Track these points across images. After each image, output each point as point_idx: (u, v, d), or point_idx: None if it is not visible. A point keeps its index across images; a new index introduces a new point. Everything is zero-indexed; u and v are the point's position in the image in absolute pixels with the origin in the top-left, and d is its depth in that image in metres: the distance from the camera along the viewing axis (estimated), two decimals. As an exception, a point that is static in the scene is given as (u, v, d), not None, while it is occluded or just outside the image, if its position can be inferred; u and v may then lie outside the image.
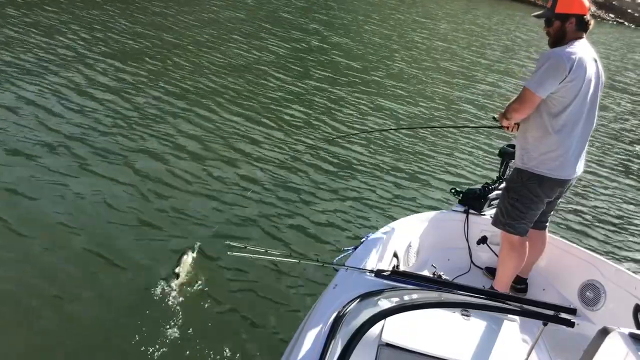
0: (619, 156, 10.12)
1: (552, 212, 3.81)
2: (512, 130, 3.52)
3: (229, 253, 2.76)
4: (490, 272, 4.07)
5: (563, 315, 1.88)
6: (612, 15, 48.06)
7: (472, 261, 4.16)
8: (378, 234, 3.50)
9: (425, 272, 3.39)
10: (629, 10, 48.36)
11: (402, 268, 3.50)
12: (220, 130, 7.47)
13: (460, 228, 4.12)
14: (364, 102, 10.11)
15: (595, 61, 3.34)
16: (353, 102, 9.96)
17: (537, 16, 3.43)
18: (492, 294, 2.10)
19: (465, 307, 2.05)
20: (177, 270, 4.11)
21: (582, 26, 3.28)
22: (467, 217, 4.10)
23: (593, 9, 3.59)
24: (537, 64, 3.24)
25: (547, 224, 3.83)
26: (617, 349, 1.94)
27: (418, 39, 18.80)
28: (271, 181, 6.32)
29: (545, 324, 1.88)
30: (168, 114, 7.64)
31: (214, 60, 10.82)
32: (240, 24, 14.95)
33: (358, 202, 6.26)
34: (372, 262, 3.06)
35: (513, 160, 3.76)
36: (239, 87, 9.52)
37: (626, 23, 47.37)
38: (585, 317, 3.70)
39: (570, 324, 1.80)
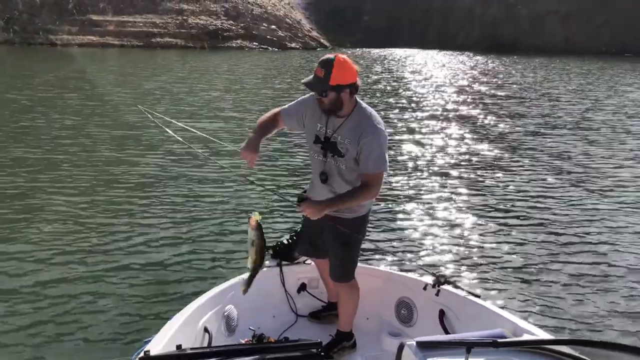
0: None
1: None
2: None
3: None
4: (314, 316, 4.17)
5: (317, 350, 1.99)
6: (256, 43, 56.95)
7: (296, 312, 4.15)
8: (185, 311, 3.32)
9: (245, 338, 3.38)
10: (268, 37, 57.87)
11: (216, 341, 3.44)
12: None
13: (277, 282, 4.10)
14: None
15: None
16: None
17: (308, 86, 3.27)
18: (246, 351, 2.12)
19: None
20: None
21: (355, 92, 3.27)
22: (281, 269, 4.10)
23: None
24: (373, 142, 3.22)
25: None
26: (410, 357, 2.15)
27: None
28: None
29: None
30: None
31: None
32: None
33: (152, 283, 5.73)
34: (175, 344, 2.72)
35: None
36: None
37: (269, 48, 56.57)
38: (405, 334, 3.85)
39: (319, 358, 1.89)
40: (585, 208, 8.74)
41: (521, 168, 11.19)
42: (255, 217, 3.01)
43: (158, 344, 2.84)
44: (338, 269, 3.65)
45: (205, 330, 3.37)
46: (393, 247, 6.95)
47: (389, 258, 6.59)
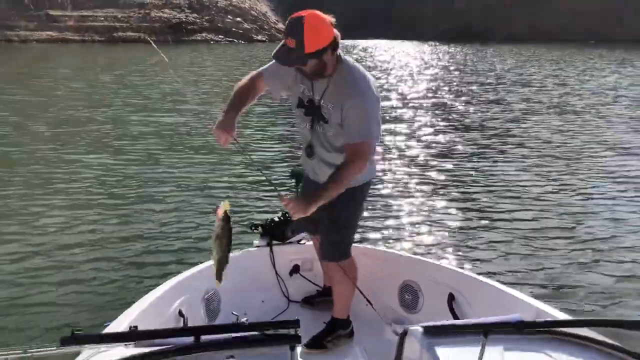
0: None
1: None
2: None
3: None
4: (308, 302, 3.77)
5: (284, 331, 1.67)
6: (222, 36, 56.74)
7: (287, 296, 3.76)
8: (156, 291, 2.99)
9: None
10: (233, 29, 57.41)
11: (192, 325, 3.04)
12: None
13: (267, 263, 3.72)
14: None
15: None
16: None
17: (280, 61, 2.73)
18: (199, 330, 1.77)
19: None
20: None
21: (336, 48, 2.74)
22: (271, 249, 3.71)
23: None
24: (359, 107, 2.75)
25: None
26: (415, 347, 1.89)
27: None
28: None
29: (292, 348, 1.66)
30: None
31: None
32: None
33: (125, 264, 5.42)
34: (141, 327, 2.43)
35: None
36: None
37: (235, 41, 56.00)
38: (410, 322, 3.39)
39: (294, 340, 1.60)
40: (581, 188, 8.43)
41: (513, 151, 10.93)
42: (224, 206, 2.56)
43: (116, 328, 2.50)
44: (326, 246, 3.26)
45: (180, 314, 3.00)
46: (395, 226, 6.55)
47: (392, 238, 6.18)
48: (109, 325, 2.58)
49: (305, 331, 3.27)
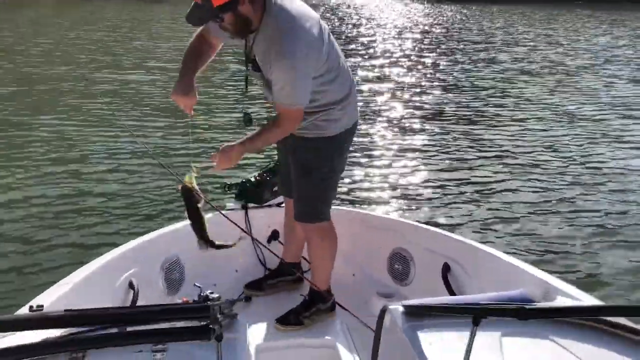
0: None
1: None
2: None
3: None
4: (254, 287, 3.42)
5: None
6: None
7: (265, 265, 3.45)
8: (97, 261, 2.63)
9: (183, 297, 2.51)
10: None
11: (144, 300, 2.66)
12: None
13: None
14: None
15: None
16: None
17: (193, 22, 2.41)
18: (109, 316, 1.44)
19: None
20: None
21: None
22: (246, 213, 3.37)
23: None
24: (283, 66, 2.42)
25: None
26: (395, 329, 1.72)
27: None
28: None
29: (219, 339, 1.30)
30: None
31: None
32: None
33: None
34: (77, 302, 2.09)
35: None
36: None
37: None
38: (400, 295, 3.17)
39: (203, 332, 1.22)
40: (581, 152, 8.23)
41: (507, 113, 10.64)
42: (186, 179, 2.40)
43: (39, 304, 2.06)
44: (300, 203, 2.93)
45: (130, 285, 2.67)
46: (384, 189, 6.27)
47: (381, 201, 5.91)
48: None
49: (279, 307, 3.01)
